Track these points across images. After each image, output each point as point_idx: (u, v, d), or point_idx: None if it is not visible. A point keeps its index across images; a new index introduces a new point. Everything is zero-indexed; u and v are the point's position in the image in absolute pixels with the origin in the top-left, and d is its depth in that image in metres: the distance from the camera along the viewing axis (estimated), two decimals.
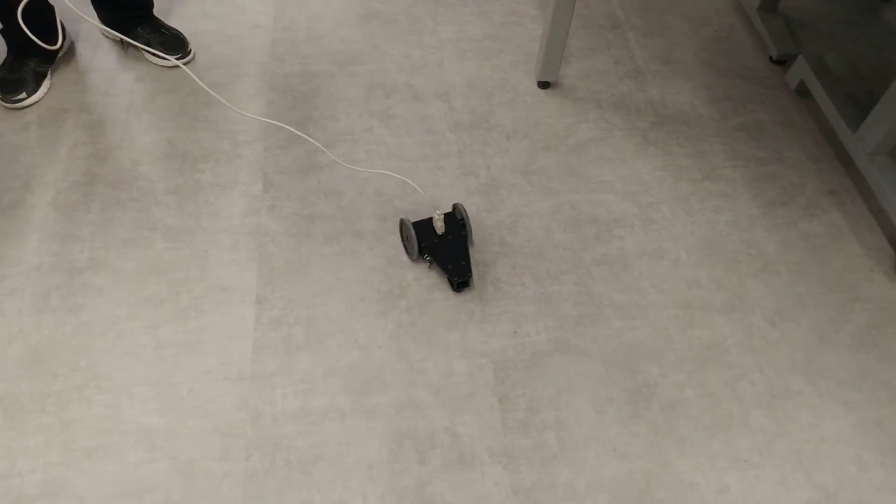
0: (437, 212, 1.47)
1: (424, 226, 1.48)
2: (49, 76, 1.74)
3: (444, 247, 1.46)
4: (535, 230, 1.55)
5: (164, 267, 1.44)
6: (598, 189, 1.63)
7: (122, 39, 1.83)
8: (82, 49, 1.85)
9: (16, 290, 1.39)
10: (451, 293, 1.44)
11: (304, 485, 1.19)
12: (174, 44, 1.81)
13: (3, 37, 1.71)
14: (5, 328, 1.34)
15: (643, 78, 1.89)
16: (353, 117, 1.73)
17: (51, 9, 1.72)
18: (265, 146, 1.66)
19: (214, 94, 1.39)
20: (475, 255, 1.49)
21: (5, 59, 1.71)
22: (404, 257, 1.48)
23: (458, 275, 1.43)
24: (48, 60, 1.75)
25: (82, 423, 1.23)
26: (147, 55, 1.81)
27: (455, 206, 1.51)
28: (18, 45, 1.70)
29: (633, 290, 1.47)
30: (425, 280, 1.45)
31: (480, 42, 1.96)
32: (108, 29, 1.79)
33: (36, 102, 1.70)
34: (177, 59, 1.79)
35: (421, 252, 1.46)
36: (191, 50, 1.83)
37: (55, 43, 1.76)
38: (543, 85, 1.81)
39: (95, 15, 1.81)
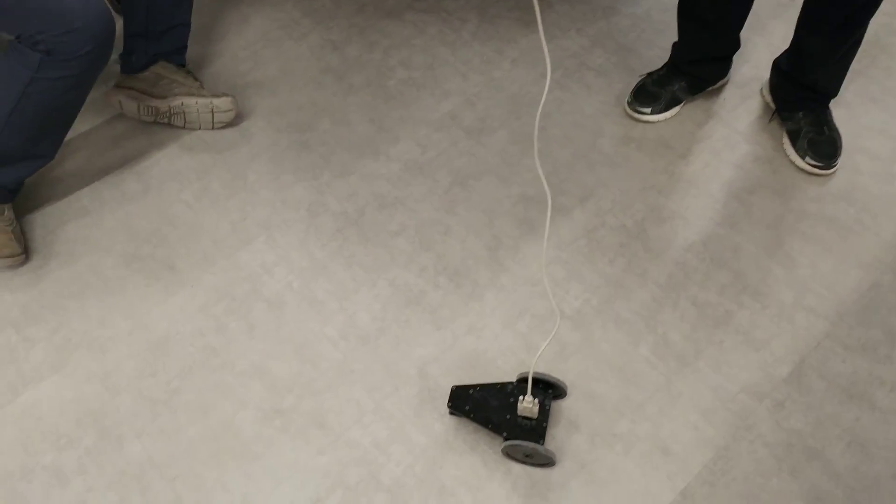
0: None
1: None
2: (681, 105, 1.65)
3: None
4: None
5: (632, 400, 1.29)
6: None
7: (774, 112, 1.62)
8: (731, 93, 1.69)
9: (506, 290, 1.40)
10: None
11: None
12: (824, 149, 1.52)
13: (676, 48, 1.64)
14: None
15: None
16: None
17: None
18: (829, 331, 1.31)
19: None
20: None
21: (658, 69, 1.66)
22: None
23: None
24: (695, 90, 1.64)
25: None
26: (785, 143, 1.58)
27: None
28: (695, 66, 1.61)
29: None
30: None
31: None
32: (769, 94, 1.59)
33: (653, 122, 1.63)
34: (813, 166, 1.51)
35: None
36: (837, 164, 1.52)
37: (719, 77, 1.65)
38: None
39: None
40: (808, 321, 1.34)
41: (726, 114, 1.65)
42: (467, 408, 1.22)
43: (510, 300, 1.39)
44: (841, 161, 1.53)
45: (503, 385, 1.23)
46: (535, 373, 1.20)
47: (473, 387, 1.24)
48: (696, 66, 1.60)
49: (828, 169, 1.52)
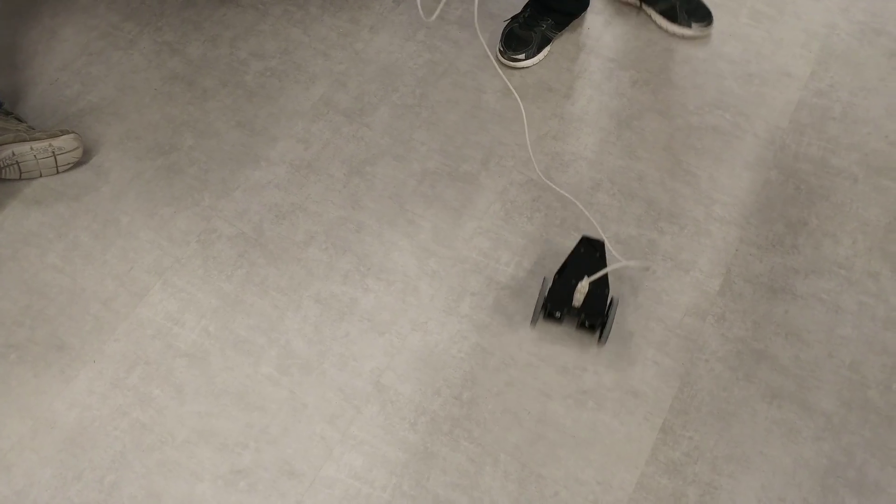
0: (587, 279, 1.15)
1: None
2: (551, 44, 1.53)
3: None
4: None
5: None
6: None
7: (640, 4, 1.57)
8: (592, 21, 1.59)
9: (438, 275, 1.26)
10: None
11: None
12: (701, 11, 1.55)
13: None
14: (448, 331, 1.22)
15: None
16: (861, 249, 1.29)
17: None
18: (741, 236, 1.30)
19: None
20: None
21: (521, 12, 1.51)
22: (867, 479, 1.07)
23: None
24: (561, 26, 1.51)
25: (444, 464, 1.09)
26: (664, 24, 1.53)
27: (612, 299, 1.17)
28: (561, 1, 1.49)
29: None
30: None
31: None
32: None
33: (529, 67, 1.50)
34: (701, 28, 1.52)
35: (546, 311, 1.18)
36: (712, 23, 1.54)
37: (583, 8, 1.54)
38: None
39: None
40: (721, 231, 1.31)
41: (594, 43, 1.55)
42: (582, 251, 1.19)
43: (445, 285, 1.24)
44: (707, 68, 1.50)
45: (602, 272, 1.16)
46: (614, 297, 1.17)
47: (600, 249, 1.19)
48: (561, 1, 1.48)
49: (711, 26, 1.54)
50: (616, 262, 1.18)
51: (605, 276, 1.16)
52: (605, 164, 1.38)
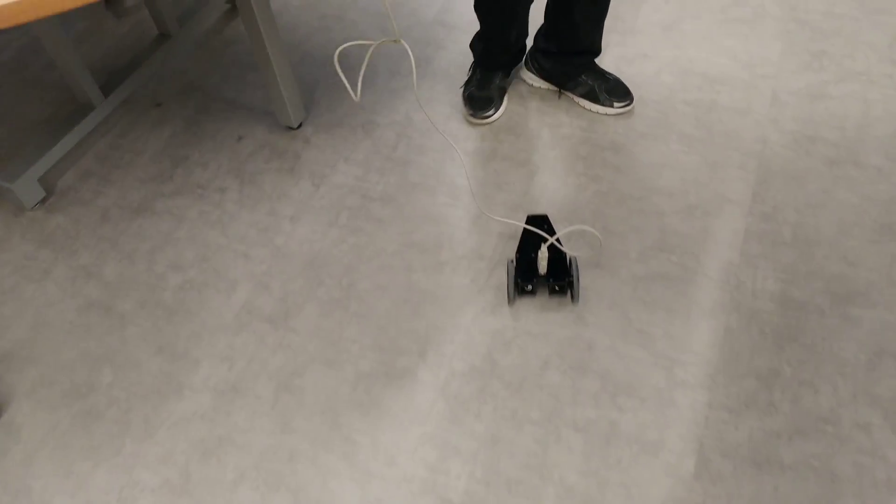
0: (544, 246, 1.23)
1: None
2: (507, 96, 1.58)
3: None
4: None
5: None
6: None
7: (559, 91, 1.59)
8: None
9: (384, 501, 1.10)
10: None
11: None
12: (621, 90, 1.52)
13: (474, 49, 1.54)
14: None
15: None
16: (845, 396, 1.12)
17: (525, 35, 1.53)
18: (709, 400, 1.14)
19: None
20: None
21: (472, 76, 1.58)
22: None
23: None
24: (509, 73, 1.57)
25: None
26: (587, 105, 1.54)
27: (572, 259, 1.26)
28: (490, 60, 1.52)
29: None
30: None
31: None
32: (544, 82, 1.59)
33: (496, 119, 1.54)
34: (622, 107, 1.51)
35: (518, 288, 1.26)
36: (633, 100, 1.53)
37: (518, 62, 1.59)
38: None
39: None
40: (687, 398, 1.14)
41: (530, 205, 1.45)
42: (531, 229, 1.27)
43: None
44: (643, 207, 1.38)
45: (560, 250, 1.26)
46: (572, 257, 1.25)
47: (546, 221, 1.29)
48: (491, 53, 1.52)
49: (631, 103, 1.52)
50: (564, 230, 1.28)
51: (560, 242, 1.27)
52: (552, 336, 1.23)
